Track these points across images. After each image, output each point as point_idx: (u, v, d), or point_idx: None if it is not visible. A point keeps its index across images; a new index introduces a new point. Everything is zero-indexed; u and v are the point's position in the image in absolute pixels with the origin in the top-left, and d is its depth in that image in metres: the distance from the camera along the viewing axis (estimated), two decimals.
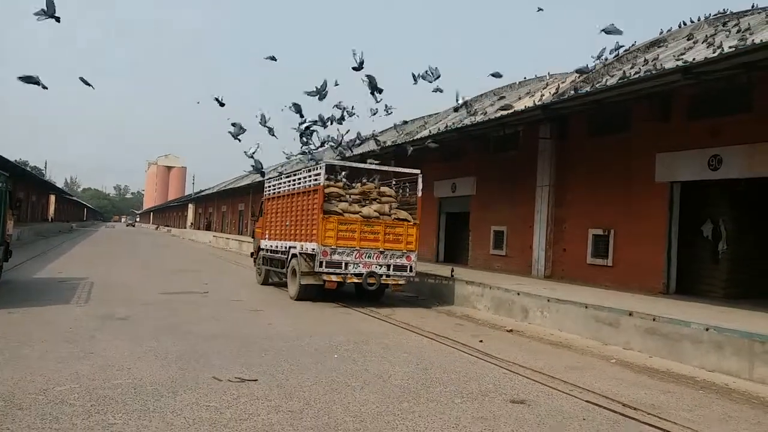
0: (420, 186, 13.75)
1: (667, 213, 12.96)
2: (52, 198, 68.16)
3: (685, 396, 6.76)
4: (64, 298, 11.99)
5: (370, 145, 20.36)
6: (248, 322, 10.47)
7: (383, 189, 13.99)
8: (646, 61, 13.89)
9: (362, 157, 17.91)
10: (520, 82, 23.73)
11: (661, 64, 12.83)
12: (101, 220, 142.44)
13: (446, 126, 19.84)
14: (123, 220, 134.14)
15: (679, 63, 11.20)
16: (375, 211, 13.31)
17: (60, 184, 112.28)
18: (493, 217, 18.54)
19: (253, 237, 19.52)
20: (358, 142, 18.29)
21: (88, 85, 12.01)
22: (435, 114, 29.67)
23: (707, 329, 8.12)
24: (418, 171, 13.94)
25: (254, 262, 18.21)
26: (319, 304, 13.06)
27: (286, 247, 14.75)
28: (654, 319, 8.88)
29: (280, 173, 16.75)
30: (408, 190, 14.21)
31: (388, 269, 13.15)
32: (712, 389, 7.12)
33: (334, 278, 12.85)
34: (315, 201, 13.12)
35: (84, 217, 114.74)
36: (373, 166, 14.60)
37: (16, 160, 42.31)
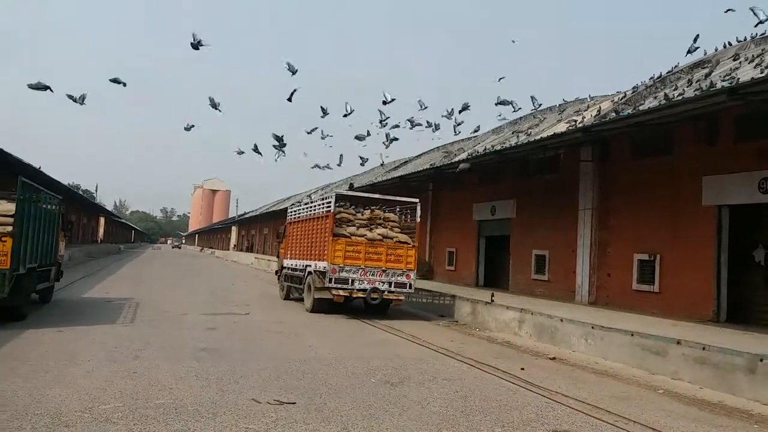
0: (418, 213, 15.75)
1: (716, 238, 12.57)
2: (102, 220, 70.28)
3: (738, 431, 6.48)
4: (111, 318, 12.29)
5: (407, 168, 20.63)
6: (288, 344, 10.53)
7: (388, 215, 15.97)
8: (689, 82, 13.62)
9: (402, 179, 19.03)
10: (560, 105, 23.56)
11: (706, 85, 12.56)
12: (148, 241, 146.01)
13: (485, 148, 19.78)
14: (169, 242, 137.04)
15: (725, 84, 10.95)
16: (379, 234, 15.18)
17: (110, 207, 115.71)
18: (534, 241, 18.28)
19: (277, 257, 21.65)
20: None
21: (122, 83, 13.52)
22: (473, 136, 29.66)
23: (762, 359, 7.76)
24: (416, 200, 15.97)
25: (278, 279, 20.24)
26: (357, 327, 13.11)
27: (303, 266, 16.59)
28: (704, 348, 8.56)
29: (300, 201, 19.51)
30: (409, 216, 16.16)
31: (390, 286, 14.83)
32: None
33: (341, 293, 14.66)
34: (326, 225, 15.03)
35: (132, 239, 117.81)
36: (377, 196, 16.82)
37: (69, 184, 43.91)
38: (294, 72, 16.50)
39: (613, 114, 14.56)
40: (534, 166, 18.50)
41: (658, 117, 12.17)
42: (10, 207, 10.77)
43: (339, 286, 14.65)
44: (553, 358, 10.43)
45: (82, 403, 5.90)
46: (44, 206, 12.63)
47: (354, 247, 14.84)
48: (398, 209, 16.58)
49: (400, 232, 15.55)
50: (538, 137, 16.16)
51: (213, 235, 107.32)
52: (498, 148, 18.06)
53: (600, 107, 18.29)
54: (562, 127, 16.43)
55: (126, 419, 5.44)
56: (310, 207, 17.28)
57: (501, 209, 20.23)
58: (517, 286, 18.83)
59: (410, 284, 15.09)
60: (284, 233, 20.26)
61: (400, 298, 15.10)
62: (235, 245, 77.20)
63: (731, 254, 12.58)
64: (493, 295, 14.71)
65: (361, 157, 23.16)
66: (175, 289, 20.59)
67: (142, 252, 71.80)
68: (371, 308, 15.39)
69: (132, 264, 39.35)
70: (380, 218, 15.78)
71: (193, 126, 17.32)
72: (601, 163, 15.67)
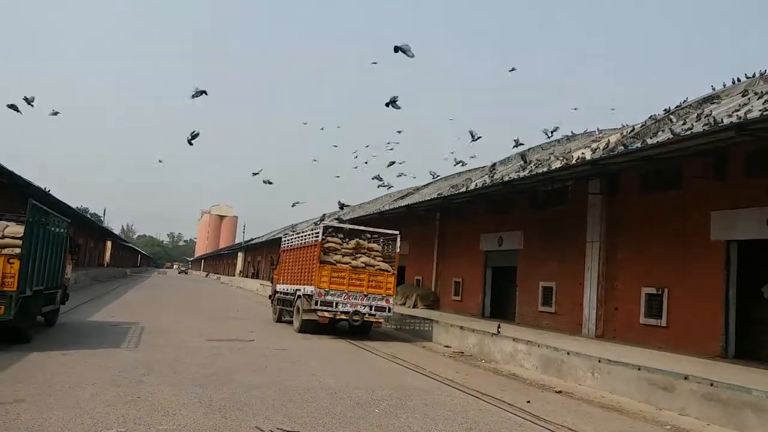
0: (398, 243, 17.49)
1: (724, 272, 12.48)
2: (109, 244, 70.50)
3: None
4: (116, 342, 12.28)
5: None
6: (292, 371, 10.46)
7: (371, 245, 17.47)
8: (698, 117, 13.70)
9: (409, 207, 22.20)
10: (567, 137, 23.68)
11: (715, 120, 12.62)
12: (154, 266, 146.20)
13: (492, 179, 19.85)
14: (175, 266, 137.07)
15: (734, 119, 10.99)
16: (362, 262, 16.68)
17: (117, 231, 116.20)
18: (541, 273, 18.21)
19: (271, 282, 23.14)
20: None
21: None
22: (482, 167, 29.77)
23: None
24: (396, 232, 17.68)
25: (271, 303, 21.55)
26: (359, 354, 13.04)
27: (294, 290, 18.08)
28: (712, 384, 8.45)
29: (293, 230, 21.20)
30: (391, 246, 17.64)
31: (371, 309, 16.27)
32: None
33: (326, 314, 16.00)
34: (315, 253, 16.50)
35: (138, 263, 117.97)
36: (363, 228, 18.54)
37: (77, 207, 44.20)
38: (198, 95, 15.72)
39: (622, 147, 14.61)
40: (542, 198, 18.53)
41: (667, 151, 12.21)
42: (18, 229, 10.85)
43: (324, 308, 16.04)
44: (560, 392, 10.31)
45: (85, 427, 5.88)
46: (52, 229, 12.73)
47: (339, 273, 16.32)
48: (381, 240, 18.21)
49: (381, 261, 17.06)
50: (545, 169, 16.19)
51: (219, 260, 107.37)
52: (505, 179, 18.11)
53: (609, 140, 18.38)
54: (575, 155, 16.47)
55: None
56: (301, 236, 18.99)
57: (508, 240, 20.21)
58: (524, 318, 18.70)
59: (389, 308, 16.59)
60: (277, 260, 21.86)
61: (379, 320, 16.60)
62: (240, 271, 77.14)
63: (740, 290, 12.48)
64: (499, 327, 14.62)
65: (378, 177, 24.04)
66: (181, 315, 20.55)
67: (148, 276, 71.88)
68: (355, 329, 16.76)
69: (138, 288, 39.37)
70: (364, 248, 17.26)
71: (197, 134, 16.98)
72: (609, 196, 15.68)
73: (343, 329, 17.40)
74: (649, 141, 13.50)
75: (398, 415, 7.52)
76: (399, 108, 15.86)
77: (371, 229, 18.56)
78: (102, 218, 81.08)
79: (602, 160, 13.89)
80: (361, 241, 17.46)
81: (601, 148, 16.76)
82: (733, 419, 8.01)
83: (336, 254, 16.73)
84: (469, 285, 22.67)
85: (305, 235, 18.54)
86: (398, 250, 17.44)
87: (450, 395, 9.32)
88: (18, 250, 10.48)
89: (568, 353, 11.49)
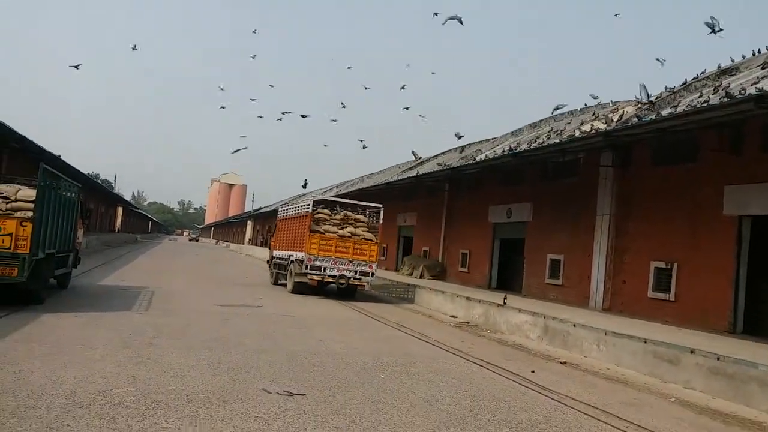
0: (381, 216, 19.21)
1: (735, 248, 12.42)
2: (120, 210, 71.04)
3: None
4: (126, 305, 12.44)
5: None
6: (299, 336, 10.57)
7: (358, 216, 19.23)
8: (715, 89, 13.44)
9: (418, 178, 23.51)
10: (581, 109, 23.35)
11: (733, 92, 12.40)
12: (165, 233, 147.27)
13: (503, 150, 19.67)
14: (186, 234, 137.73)
15: (752, 91, 10.77)
16: (348, 232, 18.45)
17: (128, 197, 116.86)
18: (549, 245, 18.19)
19: (268, 248, 25.41)
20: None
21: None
22: (492, 138, 29.53)
23: None
24: (380, 205, 19.50)
25: (269, 267, 23.63)
26: (367, 322, 13.16)
27: (287, 256, 19.92)
28: (718, 359, 8.46)
29: (287, 202, 23.44)
30: (375, 218, 19.39)
31: (356, 274, 18.05)
32: None
33: (315, 278, 17.85)
34: (305, 223, 18.27)
35: (149, 230, 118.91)
36: (349, 201, 20.66)
37: (88, 173, 44.38)
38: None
39: (636, 119, 14.42)
40: (553, 170, 18.41)
41: (682, 123, 12.04)
42: (30, 193, 10.92)
43: (313, 272, 17.83)
44: (564, 363, 10.37)
45: (96, 386, 5.98)
46: (64, 193, 12.79)
47: (327, 242, 18.05)
48: (368, 212, 19.77)
49: (366, 231, 18.75)
50: (557, 140, 16.04)
51: (228, 228, 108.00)
52: (516, 151, 17.95)
53: (623, 112, 18.13)
54: (584, 129, 16.28)
55: (138, 403, 5.51)
56: (295, 208, 20.99)
57: (517, 212, 20.15)
58: (530, 290, 18.75)
59: (372, 273, 18.33)
60: (274, 229, 24.29)
61: (363, 284, 18.27)
62: (250, 239, 77.62)
63: (751, 266, 12.42)
64: (505, 298, 14.67)
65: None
66: (190, 280, 20.77)
67: (158, 243, 72.49)
68: (342, 292, 18.52)
69: (148, 254, 39.74)
70: (351, 219, 18.99)
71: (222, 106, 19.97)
72: (622, 169, 15.55)
73: (331, 291, 19.07)
74: (663, 113, 13.29)
75: (403, 381, 7.60)
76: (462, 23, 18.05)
77: (357, 202, 20.71)
78: (113, 185, 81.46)
79: (615, 132, 13.73)
80: (349, 213, 19.19)
81: (615, 119, 16.54)
82: (738, 393, 8.02)
83: (325, 224, 18.42)
84: (477, 256, 22.71)
85: (298, 207, 20.49)
86: (381, 221, 19.21)
87: (455, 363, 9.40)
88: (30, 214, 10.56)
89: (574, 325, 11.53)
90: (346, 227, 18.66)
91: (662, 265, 13.98)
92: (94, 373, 6.47)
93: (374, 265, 18.44)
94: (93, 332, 9.05)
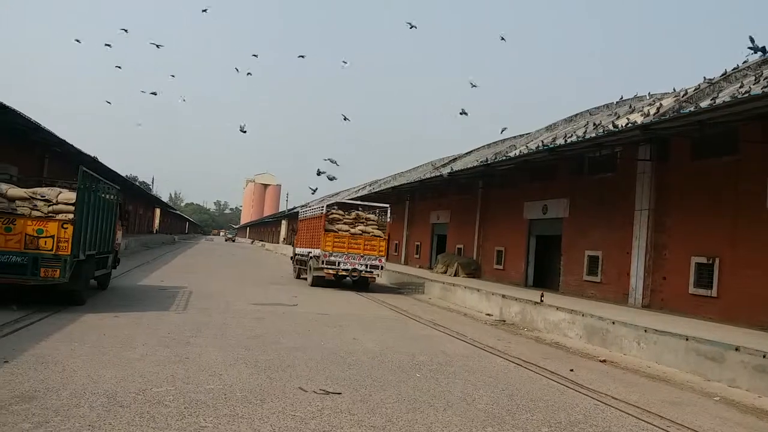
0: (389, 214, 21.73)
1: None
2: (158, 211, 72.41)
3: None
4: (164, 305, 12.66)
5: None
6: (334, 335, 10.60)
7: (368, 216, 21.43)
8: (756, 79, 13.02)
9: (451, 175, 23.93)
10: (617, 102, 22.90)
11: None
12: (201, 233, 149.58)
13: (537, 146, 19.41)
14: (222, 234, 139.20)
15: None
16: (359, 230, 20.58)
17: (165, 199, 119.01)
18: (587, 242, 17.87)
19: (292, 246, 28.02)
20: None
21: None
22: (526, 134, 29.19)
23: None
24: (387, 205, 22.17)
25: (292, 262, 26.31)
26: (401, 321, 13.13)
27: (307, 252, 22.29)
28: (765, 356, 8.19)
29: (307, 204, 27.00)
30: (383, 217, 21.57)
31: (366, 267, 20.16)
32: None
33: (330, 271, 20.15)
34: (321, 223, 20.48)
35: (186, 230, 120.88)
36: (361, 202, 23.54)
37: (126, 175, 45.32)
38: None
39: (674, 111, 14.06)
40: (589, 165, 18.09)
41: (722, 115, 11.68)
42: (71, 196, 11.18)
43: (329, 267, 20.04)
44: (604, 361, 10.18)
45: (136, 385, 6.09)
46: (103, 196, 13.07)
47: (340, 239, 20.13)
48: (377, 212, 21.90)
49: (375, 228, 20.84)
50: (593, 134, 15.74)
51: (263, 228, 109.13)
52: (551, 145, 17.69)
53: (660, 104, 17.72)
54: (620, 123, 15.95)
55: (177, 402, 5.59)
56: (312, 209, 23.88)
57: (553, 208, 19.86)
58: (568, 287, 18.46)
59: (381, 266, 20.45)
60: (296, 229, 27.11)
61: (374, 276, 20.44)
62: (284, 238, 78.31)
63: None
64: (542, 295, 14.47)
65: None
66: (227, 280, 21.05)
67: (195, 243, 73.71)
68: (357, 284, 20.87)
69: (186, 254, 40.43)
70: (362, 218, 21.17)
71: (244, 131, 24.49)
72: (660, 163, 15.17)
73: (347, 284, 21.43)
74: (703, 105, 12.92)
75: (439, 380, 7.54)
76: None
77: (368, 203, 23.67)
78: (151, 186, 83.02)
79: (653, 125, 13.39)
80: (360, 213, 21.49)
81: (651, 113, 16.16)
82: None
83: (338, 223, 20.54)
84: (512, 253, 22.47)
85: (314, 209, 23.62)
86: (389, 219, 21.62)
87: (491, 362, 9.31)
88: (71, 216, 10.82)
89: (613, 322, 11.31)
90: (358, 225, 20.74)
91: (703, 260, 13.60)
92: (134, 373, 6.59)
93: (383, 259, 20.52)
94: (132, 332, 9.23)
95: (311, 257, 21.22)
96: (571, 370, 8.98)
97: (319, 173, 27.38)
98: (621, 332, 11.01)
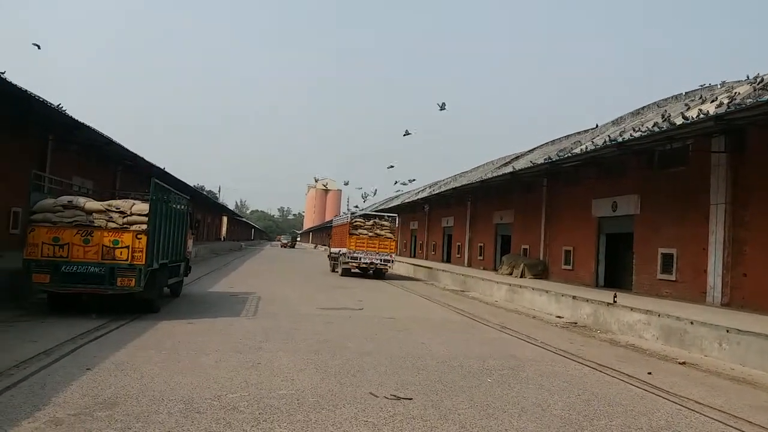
0: (398, 220, 31.10)
1: None
2: (225, 219, 74.43)
3: None
4: (235, 311, 12.95)
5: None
6: (401, 339, 10.55)
7: (383, 222, 28.83)
8: None
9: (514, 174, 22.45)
10: (686, 93, 21.95)
11: None
12: (266, 239, 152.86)
13: (604, 141, 18.79)
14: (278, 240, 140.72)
15: None
16: (375, 234, 27.87)
17: (231, 207, 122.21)
18: (660, 239, 17.17)
19: (328, 246, 37.01)
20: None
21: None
22: (592, 129, 28.39)
23: None
24: (395, 214, 31.64)
25: (329, 259, 33.90)
26: (470, 324, 12.96)
27: (338, 251, 29.97)
28: None
29: (336, 216, 36.28)
30: (393, 223, 29.29)
31: (380, 261, 27.44)
32: None
33: (353, 264, 27.47)
34: (346, 229, 28.03)
35: (251, 237, 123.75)
36: (377, 213, 31.03)
37: (194, 186, 46.87)
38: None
39: (750, 100, 13.33)
40: (659, 159, 17.39)
41: None
42: (144, 207, 11.59)
43: (353, 261, 27.39)
44: (683, 363, 9.73)
45: (212, 391, 6.22)
46: (174, 206, 13.50)
47: (361, 240, 27.37)
48: (390, 219, 29.37)
49: (388, 232, 28.27)
50: (664, 127, 15.11)
51: (326, 232, 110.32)
52: (619, 140, 17.11)
53: (734, 93, 16.86)
54: (692, 114, 15.27)
55: (251, 408, 5.67)
56: (341, 219, 33.53)
57: (623, 205, 19.18)
58: (641, 287, 17.78)
59: (392, 261, 28.03)
60: (331, 233, 36.26)
61: (386, 267, 27.83)
62: None
63: None
64: (615, 296, 14.00)
65: None
66: (293, 285, 21.38)
67: (261, 249, 75.40)
68: (374, 274, 27.73)
69: (253, 260, 41.38)
70: (378, 224, 28.50)
71: (409, 133, 29.69)
72: (736, 154, 14.41)
73: (368, 275, 27.57)
74: None
75: (511, 385, 7.38)
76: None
77: (382, 213, 30.92)
78: (217, 195, 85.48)
79: (728, 115, 12.74)
80: (377, 221, 28.72)
81: (725, 102, 15.39)
82: None
83: (360, 229, 27.81)
84: (581, 253, 21.85)
85: (341, 219, 33.47)
86: (397, 224, 29.93)
87: (565, 366, 9.04)
88: (144, 227, 11.22)
89: (691, 323, 10.81)
90: (375, 230, 27.95)
91: None
92: (209, 379, 6.74)
93: (393, 255, 28.34)
94: (206, 338, 9.46)
95: (340, 254, 28.75)
96: (649, 373, 8.62)
97: (394, 181, 32.96)
98: (700, 333, 10.51)
